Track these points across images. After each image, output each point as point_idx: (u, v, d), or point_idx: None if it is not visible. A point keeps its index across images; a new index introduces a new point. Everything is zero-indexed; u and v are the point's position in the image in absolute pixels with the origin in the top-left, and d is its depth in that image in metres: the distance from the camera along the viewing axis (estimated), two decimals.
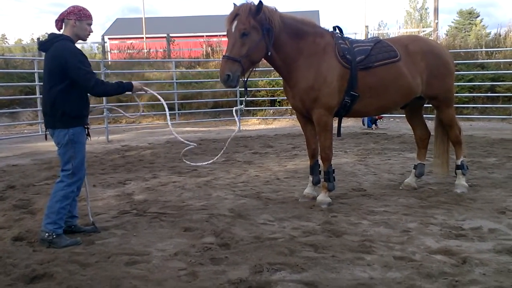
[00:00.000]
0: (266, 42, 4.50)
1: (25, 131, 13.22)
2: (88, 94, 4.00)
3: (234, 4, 4.61)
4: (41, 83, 4.34)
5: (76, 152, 3.91)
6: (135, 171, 7.05)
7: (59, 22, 3.93)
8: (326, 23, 78.27)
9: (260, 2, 4.42)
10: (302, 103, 4.80)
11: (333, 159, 7.49)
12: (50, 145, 9.82)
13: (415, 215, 4.43)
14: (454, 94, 5.59)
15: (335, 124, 5.06)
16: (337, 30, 5.00)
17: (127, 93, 4.14)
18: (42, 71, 4.00)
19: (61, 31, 3.96)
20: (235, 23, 4.41)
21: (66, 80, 3.81)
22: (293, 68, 4.73)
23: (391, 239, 3.81)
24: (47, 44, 3.89)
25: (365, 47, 4.87)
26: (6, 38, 52.60)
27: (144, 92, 4.32)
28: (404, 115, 6.06)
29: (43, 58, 4.11)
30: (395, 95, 4.99)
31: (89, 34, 4.03)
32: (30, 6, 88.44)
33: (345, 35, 5.05)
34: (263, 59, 4.74)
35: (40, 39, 3.80)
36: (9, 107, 14.17)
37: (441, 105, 5.32)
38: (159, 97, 4.58)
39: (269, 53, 4.58)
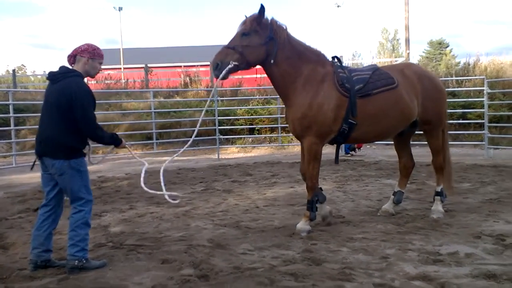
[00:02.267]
0: (267, 49, 4.73)
1: None
2: None
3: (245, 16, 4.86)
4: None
5: (84, 180, 3.98)
6: (111, 203, 6.93)
7: (72, 58, 4.00)
8: None
9: (262, 6, 4.69)
10: (295, 128, 4.91)
11: None
12: (24, 178, 9.59)
13: (393, 241, 4.46)
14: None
15: (332, 151, 5.18)
16: (336, 60, 5.14)
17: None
18: (47, 96, 3.99)
19: (73, 66, 4.02)
20: (241, 27, 4.73)
21: (73, 115, 3.87)
22: (290, 89, 4.87)
23: (371, 266, 3.82)
24: (58, 76, 3.94)
25: (364, 75, 4.99)
26: None
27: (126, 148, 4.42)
28: (381, 143, 6.18)
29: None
30: (394, 121, 5.10)
31: (98, 73, 4.16)
32: (5, 38, 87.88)
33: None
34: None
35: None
36: None
37: (433, 130, 5.42)
38: (136, 156, 4.88)
39: (272, 61, 4.77)
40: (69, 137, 3.88)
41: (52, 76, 4.00)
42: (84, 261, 3.90)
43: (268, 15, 4.80)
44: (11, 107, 11.29)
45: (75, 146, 3.93)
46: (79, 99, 3.82)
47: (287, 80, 4.86)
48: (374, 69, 5.15)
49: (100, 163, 5.26)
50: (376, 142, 13.49)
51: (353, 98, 4.82)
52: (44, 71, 34.60)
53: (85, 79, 4.14)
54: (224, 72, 4.59)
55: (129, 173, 10.05)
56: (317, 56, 5.05)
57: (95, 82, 22.25)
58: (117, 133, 4.70)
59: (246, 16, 4.83)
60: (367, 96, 4.89)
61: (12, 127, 11.30)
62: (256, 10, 4.74)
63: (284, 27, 4.86)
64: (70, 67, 4.03)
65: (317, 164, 4.90)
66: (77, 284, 3.63)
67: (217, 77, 4.65)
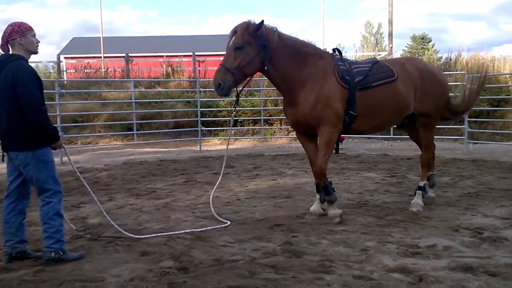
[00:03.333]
0: (261, 57, 4.71)
1: None
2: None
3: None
4: None
5: (50, 170, 3.84)
6: (89, 194, 6.79)
7: (4, 46, 3.82)
8: None
9: (261, 22, 4.66)
10: (306, 121, 4.91)
11: (293, 179, 7.63)
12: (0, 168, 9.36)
13: (373, 234, 4.49)
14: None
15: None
16: (337, 52, 5.17)
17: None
18: None
19: (10, 53, 3.83)
20: (232, 38, 4.67)
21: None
22: (293, 86, 4.89)
23: (350, 258, 3.83)
24: (1, 65, 3.75)
25: (363, 68, 5.05)
26: None
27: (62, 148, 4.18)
28: (363, 136, 6.21)
29: None
30: (391, 113, 5.19)
31: (38, 45, 3.93)
32: None
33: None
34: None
35: None
36: None
37: (428, 124, 5.47)
38: (72, 164, 4.78)
39: (266, 68, 4.77)
40: (27, 127, 3.72)
41: None
42: (61, 253, 3.82)
43: (254, 17, 4.75)
44: None
45: (36, 135, 3.75)
46: (19, 78, 3.65)
47: (287, 79, 4.88)
48: (374, 61, 5.22)
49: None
50: (358, 136, 13.60)
51: (353, 91, 4.90)
52: None
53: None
54: (227, 90, 4.63)
55: (109, 164, 9.91)
56: (314, 49, 5.08)
57: (74, 71, 21.88)
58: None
59: (236, 26, 4.73)
60: (366, 88, 4.97)
61: None
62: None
63: (275, 29, 4.84)
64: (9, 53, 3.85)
65: (329, 151, 5.01)
66: (54, 276, 3.56)
67: (221, 95, 4.76)
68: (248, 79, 4.88)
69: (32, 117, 3.69)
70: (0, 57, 3.83)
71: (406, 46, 48.23)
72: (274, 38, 4.76)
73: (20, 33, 3.78)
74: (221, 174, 5.75)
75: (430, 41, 47.94)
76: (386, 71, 5.12)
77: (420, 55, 33.63)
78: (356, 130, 5.27)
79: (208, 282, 3.37)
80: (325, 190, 5.03)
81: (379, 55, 24.45)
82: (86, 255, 4.02)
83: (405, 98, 5.17)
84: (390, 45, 22.46)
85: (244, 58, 4.64)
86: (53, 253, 3.78)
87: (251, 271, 3.56)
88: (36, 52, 3.95)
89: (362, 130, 5.34)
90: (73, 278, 3.50)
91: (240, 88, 4.98)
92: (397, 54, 27.42)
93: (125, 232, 4.53)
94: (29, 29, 3.85)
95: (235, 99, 5.10)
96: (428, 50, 38.90)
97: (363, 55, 23.57)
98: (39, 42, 3.94)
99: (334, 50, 5.23)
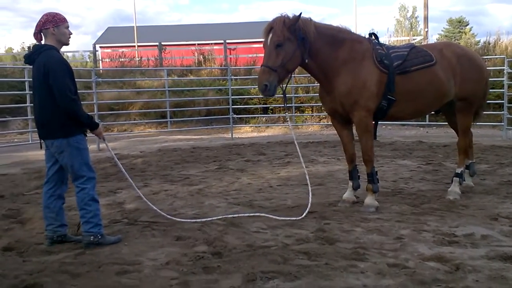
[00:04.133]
0: (301, 51, 4.66)
1: (15, 140, 13.08)
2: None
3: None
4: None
5: (84, 157, 3.94)
6: (126, 180, 6.95)
7: (38, 34, 3.91)
8: None
9: (299, 15, 4.58)
10: (342, 106, 4.89)
11: (325, 167, 7.59)
12: (40, 154, 9.71)
13: (408, 222, 4.42)
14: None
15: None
16: (373, 37, 5.12)
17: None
18: (32, 80, 3.96)
19: (42, 42, 3.93)
20: (270, 35, 4.58)
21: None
22: (331, 74, 4.84)
23: (384, 246, 3.79)
24: (32, 56, 3.88)
25: (402, 52, 5.00)
26: None
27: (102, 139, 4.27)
28: (397, 123, 6.11)
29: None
30: (430, 99, 5.11)
31: (70, 37, 4.01)
32: (20, 15, 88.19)
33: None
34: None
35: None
36: None
37: (466, 109, 5.34)
38: (110, 151, 4.66)
39: (306, 61, 4.72)
40: (61, 116, 3.81)
41: (27, 59, 3.94)
42: (100, 237, 3.95)
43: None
44: (26, 84, 11.38)
45: (70, 123, 3.84)
46: (50, 68, 3.73)
47: (326, 68, 4.83)
48: (412, 46, 5.16)
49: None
50: (392, 123, 13.35)
51: (392, 75, 4.83)
52: None
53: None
54: (273, 91, 4.60)
55: (144, 151, 10.12)
56: (350, 35, 5.02)
57: (109, 60, 22.32)
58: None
59: (271, 22, 4.64)
60: (405, 72, 4.91)
61: (28, 103, 11.41)
62: None
63: (310, 20, 4.77)
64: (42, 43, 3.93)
65: (370, 136, 4.97)
66: (93, 259, 3.68)
67: (268, 96, 4.75)
68: (290, 75, 4.86)
69: (63, 106, 3.78)
70: (32, 48, 3.95)
71: (442, 30, 46.81)
72: (311, 29, 4.68)
73: (54, 23, 3.86)
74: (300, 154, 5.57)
75: (467, 24, 46.29)
76: (425, 56, 5.03)
77: (457, 39, 32.53)
78: (394, 116, 5.19)
79: (241, 267, 3.41)
80: (370, 177, 5.00)
81: (414, 39, 23.77)
82: (123, 239, 4.13)
83: (444, 84, 5.06)
84: (426, 29, 21.84)
85: (286, 55, 4.56)
86: (92, 237, 3.92)
87: (284, 257, 3.58)
88: (67, 44, 4.04)
89: (400, 116, 5.25)
90: (112, 261, 3.61)
91: (285, 85, 4.97)
92: (432, 38, 26.65)
93: (179, 219, 4.65)
94: (63, 20, 3.92)
95: (282, 96, 5.09)
96: (466, 34, 37.53)
97: (397, 40, 23.00)
98: (71, 34, 4.02)
99: (370, 34, 5.15)
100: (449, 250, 3.66)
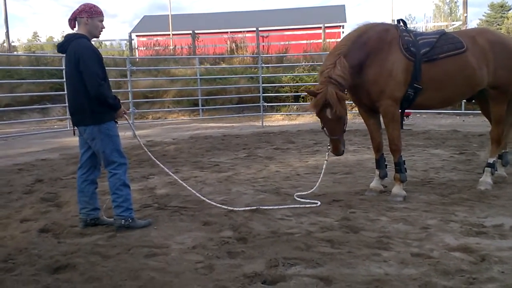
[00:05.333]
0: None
1: (55, 126, 13.61)
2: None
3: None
4: None
5: (115, 144, 4.08)
6: (158, 166, 7.15)
7: (72, 21, 4.04)
8: (352, 18, 77.23)
9: (342, 92, 4.56)
10: (369, 95, 4.86)
11: (354, 155, 7.54)
12: (77, 140, 10.11)
13: (435, 212, 4.37)
14: None
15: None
16: (401, 23, 5.05)
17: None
18: (65, 68, 4.12)
19: (75, 30, 4.07)
20: (328, 110, 4.54)
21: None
22: (362, 67, 4.77)
23: (409, 236, 3.78)
24: (64, 45, 4.02)
25: (430, 39, 4.91)
26: (38, 36, 54.11)
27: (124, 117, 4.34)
28: (432, 112, 5.98)
29: None
30: (461, 87, 4.99)
31: (102, 31, 4.13)
32: (60, 4, 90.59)
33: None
34: None
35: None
36: (39, 103, 14.59)
37: (499, 98, 5.18)
38: (134, 131, 4.64)
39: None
40: (92, 103, 3.94)
41: (60, 47, 4.07)
42: (130, 220, 4.11)
43: None
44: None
45: (101, 111, 3.97)
46: (81, 55, 3.85)
47: (358, 67, 4.74)
48: (442, 33, 5.04)
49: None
50: (427, 111, 13.05)
51: (418, 63, 4.75)
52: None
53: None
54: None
55: (176, 138, 10.33)
56: (376, 28, 4.90)
57: (144, 48, 22.71)
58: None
59: (327, 96, 4.53)
60: (433, 60, 4.81)
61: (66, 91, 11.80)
62: None
63: (344, 64, 4.67)
64: (73, 31, 4.06)
65: (396, 125, 4.92)
66: (124, 241, 3.84)
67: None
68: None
69: (93, 92, 3.89)
70: (64, 37, 4.10)
71: (483, 15, 45.10)
72: (347, 71, 4.60)
73: (90, 14, 4.00)
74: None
75: (510, 9, 44.25)
76: (455, 43, 4.89)
77: (499, 25, 31.21)
78: (421, 105, 5.09)
79: (265, 253, 3.48)
80: (397, 166, 4.96)
81: (452, 25, 23.01)
82: (153, 223, 4.28)
83: (475, 72, 4.91)
84: (465, 14, 21.01)
85: (344, 114, 4.64)
86: (123, 220, 4.08)
87: (307, 244, 3.63)
88: (97, 36, 4.17)
89: (428, 104, 5.15)
90: (141, 244, 3.76)
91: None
92: (472, 24, 25.69)
93: (218, 204, 4.76)
94: (99, 13, 4.05)
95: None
96: (508, 19, 35.92)
97: (434, 26, 22.32)
98: (103, 28, 4.14)
99: (398, 21, 5.06)
100: (475, 241, 3.61)
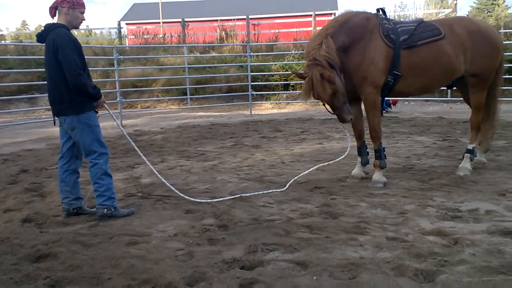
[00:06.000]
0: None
1: (43, 116, 13.52)
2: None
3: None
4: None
5: (95, 133, 4.08)
6: (145, 155, 7.15)
7: (53, 10, 4.03)
8: (343, 4, 76.91)
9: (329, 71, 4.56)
10: (351, 83, 4.89)
11: (339, 143, 7.61)
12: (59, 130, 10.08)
13: (413, 197, 4.46)
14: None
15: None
16: (381, 12, 5.11)
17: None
18: (44, 58, 4.12)
19: (55, 18, 4.07)
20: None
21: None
22: (346, 53, 4.82)
23: (386, 221, 3.86)
24: (43, 35, 4.01)
25: (409, 27, 4.98)
26: (27, 24, 53.37)
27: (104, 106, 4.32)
28: (420, 98, 6.07)
29: None
30: (438, 74, 5.05)
31: (81, 22, 4.14)
32: None
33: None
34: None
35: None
36: (27, 93, 14.50)
37: (478, 85, 5.26)
38: (117, 121, 4.75)
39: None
40: (71, 92, 3.95)
41: (39, 37, 4.06)
42: (113, 209, 4.14)
43: None
44: None
45: (81, 100, 3.99)
46: (59, 45, 3.85)
47: (341, 51, 4.76)
48: (420, 21, 5.10)
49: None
50: (414, 98, 13.14)
51: (398, 50, 4.82)
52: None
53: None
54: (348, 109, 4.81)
55: (164, 128, 10.34)
56: (357, 16, 4.96)
57: (133, 36, 22.53)
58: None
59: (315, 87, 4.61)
60: (412, 47, 4.88)
61: None
62: None
63: (332, 44, 4.71)
64: (54, 20, 4.05)
65: (377, 112, 4.99)
66: (106, 230, 3.88)
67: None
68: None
69: (72, 81, 3.90)
70: (44, 27, 4.10)
71: (474, 2, 44.95)
72: (335, 52, 4.67)
73: (71, 4, 3.99)
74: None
75: None
76: (433, 30, 4.97)
77: (489, 12, 31.25)
78: (401, 92, 5.16)
79: (245, 239, 3.54)
80: (377, 153, 5.04)
81: (442, 12, 23.03)
82: (136, 212, 4.33)
83: (451, 59, 4.98)
84: (454, 2, 21.06)
85: (341, 88, 4.68)
86: (105, 209, 4.12)
87: (287, 230, 3.69)
88: (77, 27, 4.17)
89: (407, 91, 5.21)
90: (123, 232, 3.80)
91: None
92: (463, 11, 25.65)
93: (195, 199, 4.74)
94: (81, 5, 4.05)
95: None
96: (498, 6, 35.97)
97: (424, 13, 22.34)
98: (84, 20, 4.14)
99: (378, 10, 5.12)
100: (450, 225, 3.70)
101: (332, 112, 4.88)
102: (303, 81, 4.77)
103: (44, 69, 4.23)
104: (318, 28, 20.22)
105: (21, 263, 3.22)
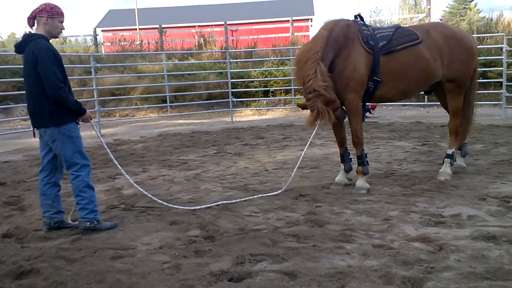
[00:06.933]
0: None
1: (19, 126, 13.22)
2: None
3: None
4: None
5: (77, 145, 4.01)
6: (125, 165, 7.07)
7: (31, 20, 3.96)
8: (320, 10, 77.70)
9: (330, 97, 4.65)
10: (335, 90, 4.87)
11: (321, 149, 7.66)
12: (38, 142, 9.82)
13: (397, 203, 4.51)
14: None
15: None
16: (359, 18, 5.18)
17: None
18: (23, 69, 4.03)
19: (33, 28, 4.01)
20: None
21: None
22: (332, 63, 4.86)
23: (372, 228, 3.89)
24: (22, 46, 3.93)
25: (387, 32, 5.06)
26: None
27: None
28: (398, 104, 6.16)
29: None
30: (417, 78, 5.13)
31: (61, 32, 4.08)
32: (22, 0, 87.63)
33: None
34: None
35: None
36: (1, 103, 14.15)
37: (455, 90, 5.36)
38: (96, 131, 4.74)
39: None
40: (51, 104, 3.87)
41: (17, 48, 3.99)
42: (96, 223, 4.07)
43: None
44: None
45: (60, 112, 3.91)
46: (39, 55, 3.79)
47: (329, 67, 4.81)
48: (397, 27, 5.21)
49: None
50: (392, 104, 13.34)
51: (377, 56, 4.89)
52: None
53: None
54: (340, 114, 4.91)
55: (144, 136, 10.23)
56: (340, 22, 5.03)
57: (110, 44, 22.26)
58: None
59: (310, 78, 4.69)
60: (390, 52, 4.96)
61: None
62: None
63: (322, 66, 4.77)
64: (32, 30, 4.00)
65: (359, 119, 5.07)
66: (89, 244, 3.80)
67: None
68: None
69: (50, 94, 3.83)
70: (22, 37, 4.03)
71: (447, 7, 46.03)
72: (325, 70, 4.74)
73: (50, 14, 3.93)
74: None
75: (473, 0, 45.46)
76: (410, 35, 5.08)
77: (461, 16, 32.08)
78: (381, 97, 5.24)
79: (232, 250, 3.52)
80: (360, 159, 5.08)
81: (416, 17, 23.53)
82: (119, 224, 4.25)
83: (430, 64, 5.08)
84: (428, 7, 21.53)
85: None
86: (88, 222, 4.04)
87: (274, 239, 3.69)
88: (56, 37, 4.11)
89: (387, 96, 5.30)
90: (107, 246, 3.73)
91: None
92: (435, 16, 26.24)
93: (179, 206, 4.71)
94: (59, 14, 3.98)
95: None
96: (470, 10, 36.96)
97: (399, 18, 22.77)
98: (63, 29, 4.08)
99: (356, 16, 5.20)
100: (434, 231, 3.75)
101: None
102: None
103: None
104: (296, 34, 20.32)
105: (3, 280, 3.14)
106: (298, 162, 5.36)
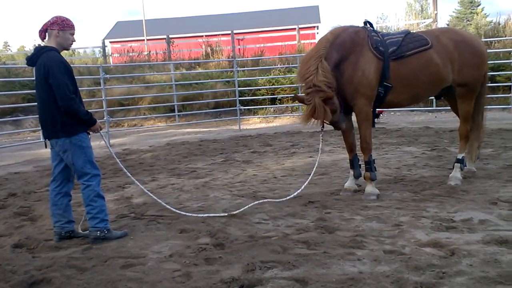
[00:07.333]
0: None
1: (28, 138, 13.36)
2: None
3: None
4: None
5: (88, 155, 4.05)
6: (135, 175, 7.05)
7: (43, 32, 4.02)
8: (326, 18, 78.03)
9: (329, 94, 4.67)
10: (344, 96, 4.93)
11: (330, 156, 7.65)
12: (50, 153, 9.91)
13: (407, 209, 4.48)
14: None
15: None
16: (368, 25, 5.20)
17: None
18: (35, 81, 4.09)
19: (45, 41, 4.06)
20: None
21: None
22: (338, 68, 4.89)
23: (383, 233, 3.87)
24: (33, 58, 3.99)
25: (396, 38, 5.07)
26: (8, 46, 53.01)
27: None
28: (406, 109, 6.15)
29: None
30: (427, 83, 5.13)
31: (72, 44, 4.14)
32: (32, 14, 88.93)
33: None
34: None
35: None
36: (11, 115, 14.33)
37: (466, 95, 5.35)
38: (105, 141, 4.73)
39: None
40: (62, 115, 3.91)
41: (29, 60, 4.04)
42: (106, 232, 4.08)
43: None
44: None
45: (71, 123, 3.96)
46: (50, 68, 3.84)
47: (334, 69, 4.83)
48: (406, 32, 5.22)
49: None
50: (400, 109, 13.30)
51: (387, 61, 4.90)
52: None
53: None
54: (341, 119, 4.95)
55: (153, 145, 10.28)
56: (348, 29, 5.05)
57: (118, 55, 22.49)
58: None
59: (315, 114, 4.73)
60: (401, 58, 4.96)
61: None
62: None
63: (327, 67, 4.81)
64: (43, 43, 4.05)
65: (368, 124, 5.06)
66: (100, 253, 3.81)
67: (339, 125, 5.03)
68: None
69: (62, 105, 3.88)
70: (34, 50, 4.08)
71: (453, 12, 45.98)
72: (331, 77, 4.77)
73: (61, 26, 3.99)
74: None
75: (479, 4, 45.36)
76: (420, 40, 5.08)
77: (468, 21, 31.99)
78: (391, 103, 5.23)
79: (242, 258, 3.51)
80: (368, 165, 5.07)
81: (423, 22, 23.49)
82: (129, 233, 4.26)
83: (440, 69, 5.07)
84: (435, 12, 21.48)
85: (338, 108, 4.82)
86: (98, 232, 4.05)
87: (284, 246, 3.68)
88: (67, 49, 4.19)
89: (397, 102, 5.29)
90: (117, 255, 3.74)
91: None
92: (442, 21, 26.21)
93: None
94: (70, 26, 4.05)
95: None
96: (477, 15, 36.85)
97: (406, 24, 22.75)
98: (74, 41, 4.13)
99: (365, 23, 5.20)
100: (445, 236, 3.72)
101: (329, 124, 4.93)
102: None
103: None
104: (302, 42, 20.41)
105: None
106: (314, 170, 5.29)
